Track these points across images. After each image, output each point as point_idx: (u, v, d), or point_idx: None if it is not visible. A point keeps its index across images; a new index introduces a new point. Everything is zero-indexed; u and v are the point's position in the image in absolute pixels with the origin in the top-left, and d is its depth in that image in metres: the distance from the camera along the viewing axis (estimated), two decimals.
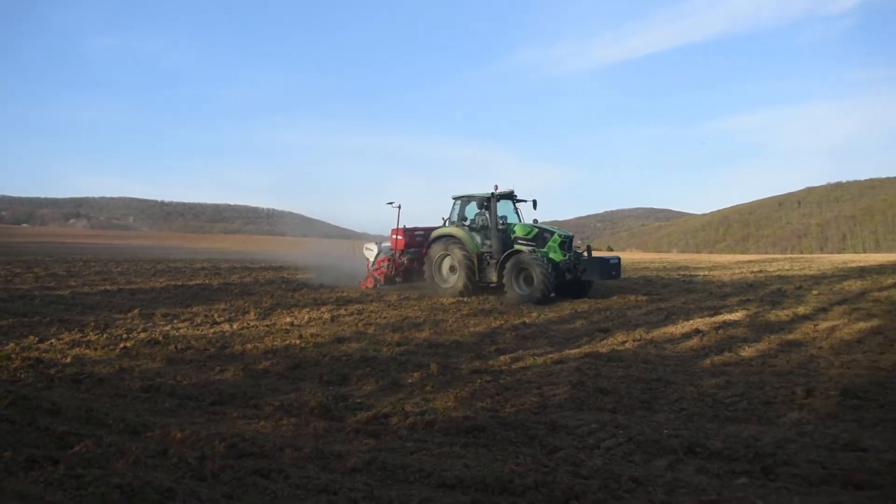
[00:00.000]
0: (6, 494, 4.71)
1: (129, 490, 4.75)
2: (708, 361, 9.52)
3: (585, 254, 18.03)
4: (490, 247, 18.63)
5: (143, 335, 11.75)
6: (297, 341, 11.21)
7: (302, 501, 4.61)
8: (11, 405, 7.19)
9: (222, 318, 14.11)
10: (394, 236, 21.14)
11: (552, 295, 16.97)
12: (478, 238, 18.99)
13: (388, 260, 21.18)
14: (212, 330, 12.62)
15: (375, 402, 7.33)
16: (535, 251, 17.76)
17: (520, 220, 19.28)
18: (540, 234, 18.09)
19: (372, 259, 21.89)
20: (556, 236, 17.86)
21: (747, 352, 10.15)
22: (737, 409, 7.00)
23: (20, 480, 5.02)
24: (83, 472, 5.12)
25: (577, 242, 19.11)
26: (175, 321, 13.62)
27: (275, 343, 11.05)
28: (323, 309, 15.71)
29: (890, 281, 21.92)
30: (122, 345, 10.65)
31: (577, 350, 10.46)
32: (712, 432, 6.15)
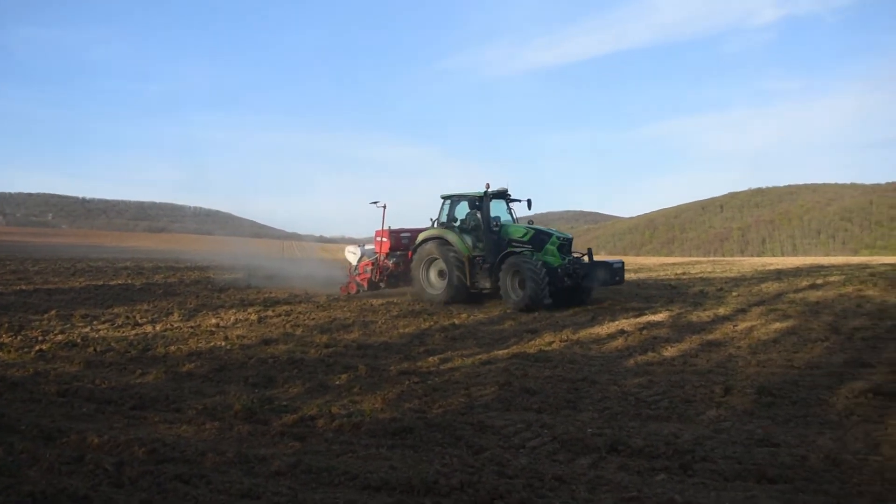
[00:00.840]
0: None
1: (42, 498, 4.57)
2: (632, 361, 9.73)
3: (586, 258, 16.80)
4: (482, 250, 17.01)
5: (60, 337, 11.36)
6: (223, 343, 11.01)
7: None
8: None
9: (145, 320, 13.75)
10: (378, 238, 19.69)
11: (547, 302, 15.43)
12: (469, 240, 17.26)
13: (372, 264, 19.74)
14: (133, 331, 12.29)
15: (302, 405, 7.24)
16: (532, 254, 16.14)
17: (513, 221, 18.08)
18: (536, 236, 16.52)
19: (354, 263, 20.51)
20: (553, 238, 16.42)
21: (669, 351, 10.42)
22: (658, 407, 7.18)
23: None
24: None
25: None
26: (95, 322, 13.21)
27: (199, 345, 10.82)
28: (250, 310, 15.46)
29: (805, 283, 22.81)
30: (37, 347, 10.28)
31: (505, 351, 10.55)
32: (634, 430, 6.29)
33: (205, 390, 7.96)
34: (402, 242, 19.49)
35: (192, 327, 12.85)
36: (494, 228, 17.10)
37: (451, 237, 17.30)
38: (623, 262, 17.18)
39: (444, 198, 18.26)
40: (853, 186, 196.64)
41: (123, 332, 12.12)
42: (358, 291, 19.84)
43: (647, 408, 7.16)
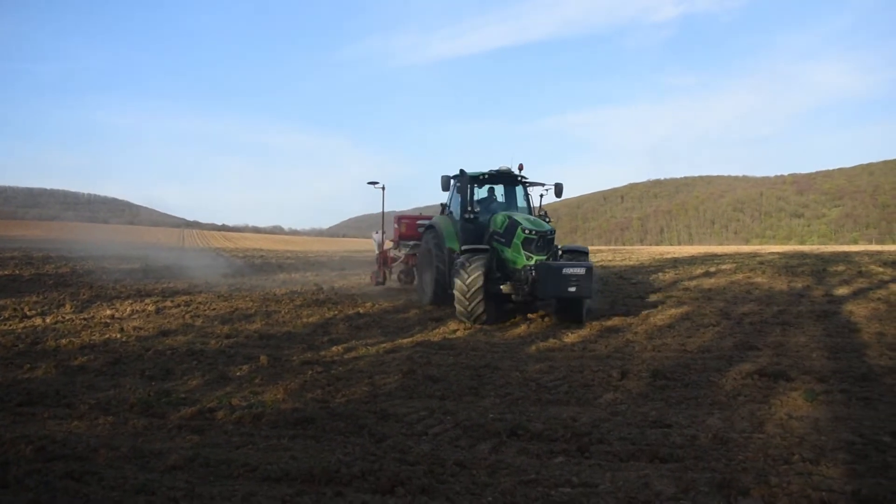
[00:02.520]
0: None
1: None
2: (534, 348, 9.95)
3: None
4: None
5: None
6: (118, 335, 10.64)
7: (117, 503, 4.38)
8: None
9: (34, 312, 13.12)
10: (394, 225, 17.67)
11: (480, 319, 12.16)
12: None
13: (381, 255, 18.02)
14: (21, 324, 11.72)
15: (201, 397, 7.08)
16: (500, 250, 13.21)
17: (529, 210, 14.75)
18: (510, 228, 13.11)
19: (375, 250, 18.89)
20: (519, 231, 12.76)
21: (570, 338, 10.69)
22: (558, 392, 7.36)
23: None
24: None
25: None
26: None
27: (93, 337, 10.42)
28: (147, 301, 14.98)
29: (699, 271, 23.78)
30: None
31: (409, 339, 10.60)
32: (535, 415, 6.43)
33: (98, 384, 7.67)
34: (419, 231, 16.45)
35: (85, 319, 12.35)
36: (469, 216, 14.19)
37: (442, 227, 14.71)
38: (591, 265, 12.30)
39: (448, 179, 14.91)
40: (745, 179, 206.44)
41: (10, 325, 11.54)
42: (375, 282, 18.10)
43: (547, 392, 7.33)
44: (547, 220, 13.99)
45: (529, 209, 14.72)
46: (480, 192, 15.06)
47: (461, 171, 14.32)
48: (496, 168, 14.70)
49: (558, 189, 14.46)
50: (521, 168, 14.72)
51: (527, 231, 12.58)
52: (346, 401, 6.94)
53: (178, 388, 7.51)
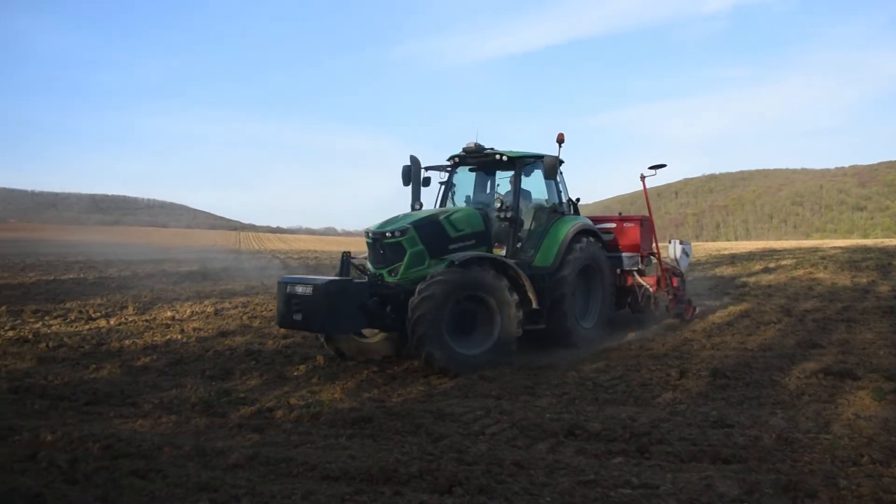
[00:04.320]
0: None
1: None
2: (589, 346, 9.84)
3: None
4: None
5: (10, 333, 11.09)
6: (179, 336, 10.87)
7: (181, 501, 4.47)
8: None
9: (98, 314, 13.50)
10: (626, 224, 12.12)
11: (429, 357, 8.07)
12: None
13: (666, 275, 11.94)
14: (87, 326, 12.07)
15: (260, 397, 7.19)
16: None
17: (561, 203, 10.70)
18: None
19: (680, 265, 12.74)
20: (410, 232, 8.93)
21: (627, 336, 10.56)
22: (616, 391, 7.28)
23: None
24: None
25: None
26: (46, 318, 12.93)
27: (155, 338, 10.67)
28: (206, 302, 15.30)
29: (758, 267, 23.31)
30: None
31: None
32: (592, 414, 6.37)
33: (161, 384, 7.85)
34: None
35: (147, 321, 12.66)
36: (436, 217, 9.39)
37: None
38: (328, 282, 8.36)
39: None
40: (804, 171, 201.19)
41: (76, 327, 11.89)
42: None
43: (604, 392, 7.25)
44: (506, 211, 9.60)
45: (560, 200, 10.70)
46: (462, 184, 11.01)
47: (412, 157, 10.29)
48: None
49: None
50: (560, 140, 10.39)
51: (367, 234, 9.28)
52: (403, 400, 6.98)
53: (237, 388, 7.65)
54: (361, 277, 9.26)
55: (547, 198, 10.68)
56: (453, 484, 4.57)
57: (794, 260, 25.56)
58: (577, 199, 11.12)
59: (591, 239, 10.54)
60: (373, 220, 9.25)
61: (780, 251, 34.53)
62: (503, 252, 9.67)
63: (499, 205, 9.61)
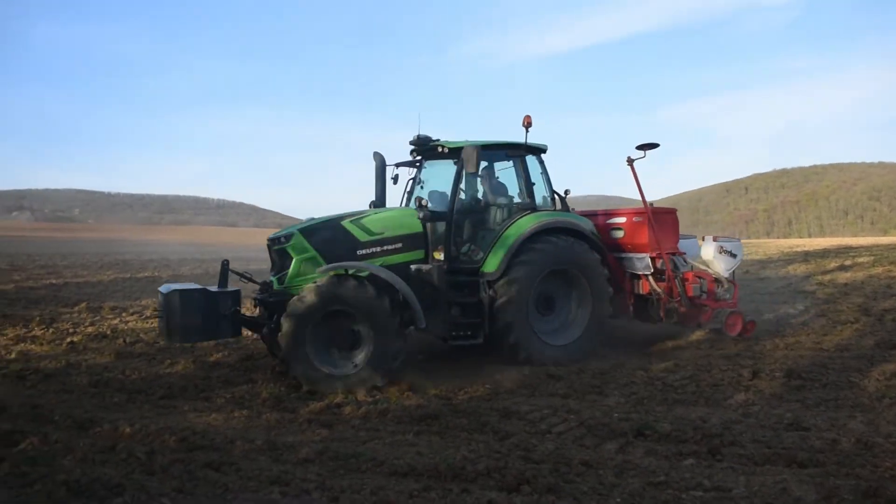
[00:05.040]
0: None
1: (77, 486, 4.66)
2: (658, 345, 9.69)
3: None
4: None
5: (90, 329, 11.51)
6: (249, 332, 11.08)
7: (253, 493, 4.57)
8: None
9: None
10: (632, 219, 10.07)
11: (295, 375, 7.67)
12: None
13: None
14: None
15: (329, 393, 7.29)
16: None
17: (545, 198, 9.66)
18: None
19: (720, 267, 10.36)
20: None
21: (696, 335, 10.34)
22: (685, 391, 7.16)
23: None
24: (29, 469, 5.00)
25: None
26: (124, 314, 13.36)
27: None
28: None
29: (833, 264, 22.53)
30: (68, 339, 10.42)
31: None
32: (661, 415, 6.27)
33: (233, 379, 8.03)
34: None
35: None
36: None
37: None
38: (186, 289, 8.07)
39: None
40: (881, 165, 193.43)
41: (152, 324, 12.24)
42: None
43: (673, 392, 7.14)
44: (422, 210, 8.64)
45: (544, 197, 9.63)
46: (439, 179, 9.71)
47: (375, 153, 10.02)
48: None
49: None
50: (527, 124, 9.06)
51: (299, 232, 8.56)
52: (469, 398, 7.00)
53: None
54: (237, 285, 8.91)
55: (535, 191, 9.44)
56: (521, 482, 4.57)
57: (872, 257, 24.62)
58: (566, 192, 9.79)
59: (568, 238, 8.91)
60: None
61: (856, 248, 33.26)
62: (479, 256, 8.84)
63: (417, 205, 8.75)
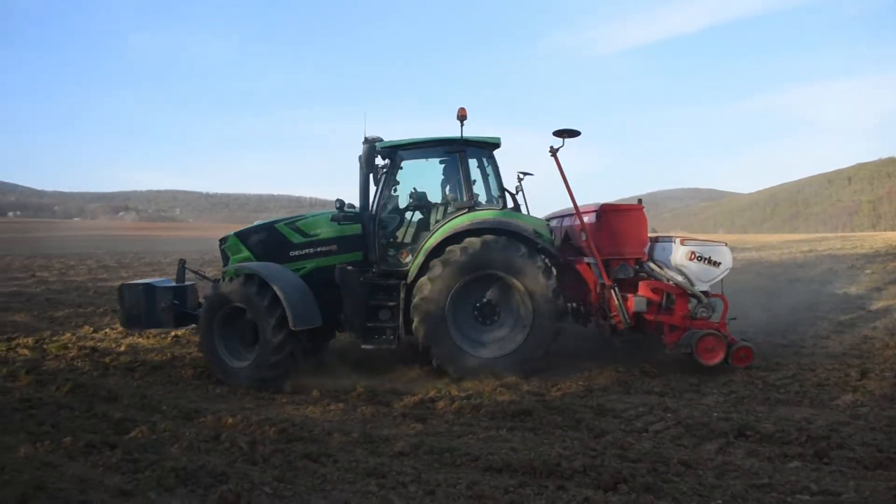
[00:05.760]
0: (67, 478, 4.87)
1: (184, 473, 4.87)
2: (756, 344, 9.35)
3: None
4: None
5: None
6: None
7: (351, 484, 4.67)
8: (70, 392, 7.42)
9: None
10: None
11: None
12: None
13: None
14: None
15: (421, 387, 7.36)
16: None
17: (493, 198, 8.84)
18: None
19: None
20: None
21: (798, 333, 9.96)
22: (788, 391, 6.89)
23: (80, 465, 5.18)
24: (139, 456, 5.26)
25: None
26: None
27: None
28: None
29: None
30: (173, 334, 10.83)
31: None
32: (763, 415, 6.07)
33: (327, 373, 8.18)
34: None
35: None
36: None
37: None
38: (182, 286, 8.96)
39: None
40: None
41: None
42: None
43: (775, 391, 6.89)
44: (341, 210, 8.65)
45: (490, 194, 8.96)
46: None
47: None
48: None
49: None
50: (461, 117, 8.37)
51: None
52: (562, 394, 6.94)
53: (399, 379, 7.85)
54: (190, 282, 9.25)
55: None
56: (618, 481, 4.50)
57: None
58: (519, 186, 8.91)
59: (499, 240, 7.96)
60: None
61: None
62: (408, 259, 8.41)
63: (338, 205, 8.64)
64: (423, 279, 7.93)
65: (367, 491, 4.53)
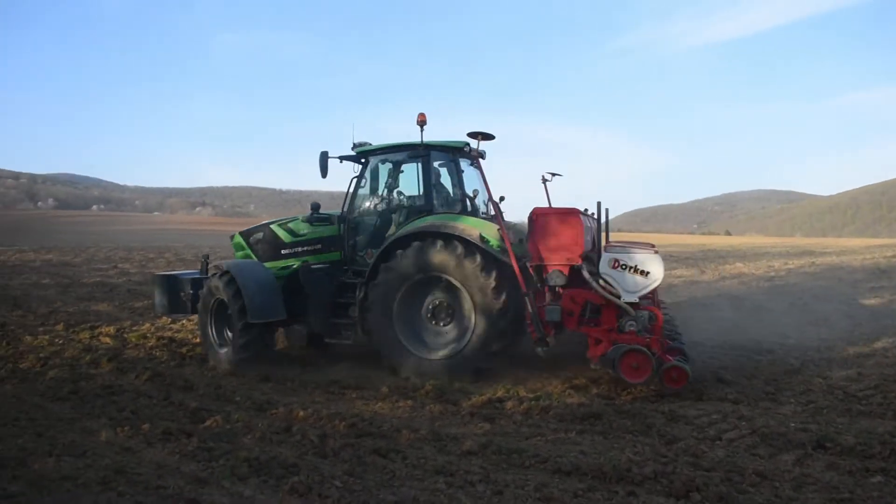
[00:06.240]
0: (145, 463, 5.06)
1: (256, 464, 5.00)
2: (837, 351, 9.04)
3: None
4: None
5: None
6: None
7: (419, 482, 4.70)
8: (149, 380, 7.71)
9: None
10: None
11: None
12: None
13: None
14: None
15: (489, 387, 7.35)
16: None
17: (429, 199, 8.84)
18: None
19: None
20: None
21: (882, 342, 9.57)
22: (870, 403, 6.62)
23: (158, 451, 5.38)
24: (214, 445, 5.42)
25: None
26: None
27: None
28: None
29: None
30: None
31: (694, 340, 10.12)
32: (843, 427, 5.83)
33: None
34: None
35: None
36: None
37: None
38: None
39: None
40: None
41: None
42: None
43: (857, 403, 6.62)
44: (313, 212, 9.44)
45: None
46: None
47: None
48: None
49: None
50: (420, 122, 8.50)
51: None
52: (632, 398, 6.83)
53: (466, 377, 7.82)
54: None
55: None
56: (690, 489, 4.40)
57: None
58: (475, 192, 9.08)
59: (437, 243, 7.93)
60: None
61: None
62: (372, 259, 8.49)
63: (312, 208, 9.32)
64: (375, 281, 8.18)
65: (436, 489, 4.56)
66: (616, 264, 7.23)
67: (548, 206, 9.04)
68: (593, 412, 6.21)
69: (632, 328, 7.17)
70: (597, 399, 6.79)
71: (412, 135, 8.49)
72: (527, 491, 4.47)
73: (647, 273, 7.18)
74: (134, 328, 11.01)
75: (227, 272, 8.60)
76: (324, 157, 8.77)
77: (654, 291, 7.88)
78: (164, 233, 59.00)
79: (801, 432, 5.60)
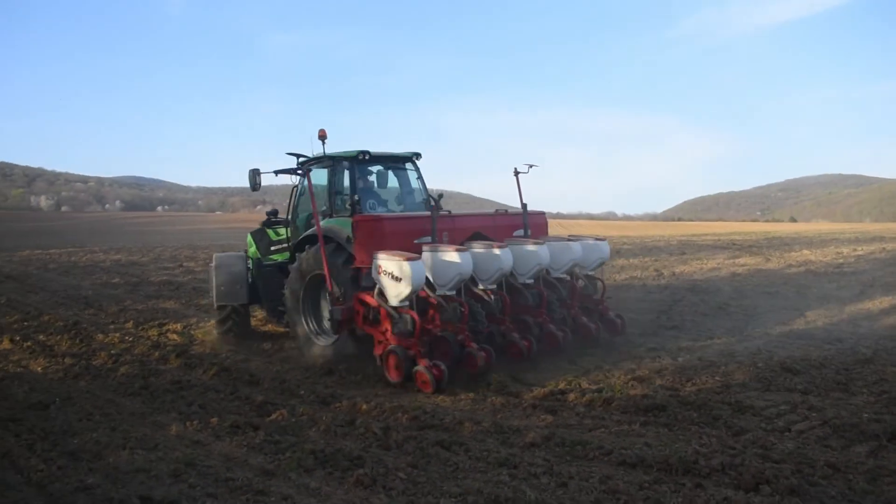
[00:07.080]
0: (214, 456, 5.20)
1: (322, 456, 5.09)
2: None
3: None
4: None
5: None
6: None
7: (483, 474, 4.72)
8: (216, 375, 7.90)
9: None
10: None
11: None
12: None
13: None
14: None
15: (551, 379, 7.32)
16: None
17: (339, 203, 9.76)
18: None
19: None
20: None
21: None
22: None
23: (226, 444, 5.52)
24: (280, 438, 5.54)
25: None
26: None
27: None
28: None
29: None
30: None
31: (760, 329, 9.91)
32: None
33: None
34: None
35: None
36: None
37: None
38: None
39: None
40: None
41: None
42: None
43: None
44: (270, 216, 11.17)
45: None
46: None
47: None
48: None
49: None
50: (321, 137, 9.71)
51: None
52: (697, 390, 6.71)
53: (528, 370, 7.81)
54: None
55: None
56: (760, 482, 4.32)
57: None
58: (440, 194, 9.29)
59: (315, 245, 8.54)
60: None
61: None
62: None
63: (268, 213, 11.26)
64: (289, 277, 9.26)
65: (499, 481, 4.57)
66: (380, 269, 7.55)
67: (520, 199, 9.96)
68: (657, 404, 6.12)
69: (396, 330, 7.45)
70: (660, 390, 6.69)
71: (413, 139, 8.81)
72: (591, 483, 4.44)
73: (399, 280, 7.35)
74: (200, 325, 11.30)
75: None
76: (252, 174, 9.46)
77: (578, 269, 9.26)
78: (227, 231, 60.12)
79: (874, 423, 5.43)
